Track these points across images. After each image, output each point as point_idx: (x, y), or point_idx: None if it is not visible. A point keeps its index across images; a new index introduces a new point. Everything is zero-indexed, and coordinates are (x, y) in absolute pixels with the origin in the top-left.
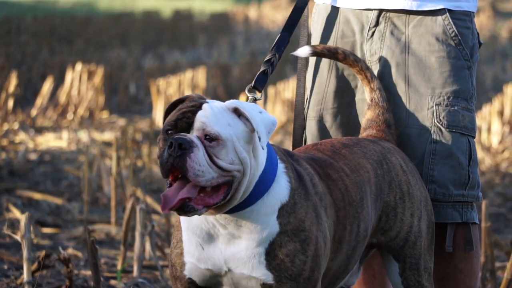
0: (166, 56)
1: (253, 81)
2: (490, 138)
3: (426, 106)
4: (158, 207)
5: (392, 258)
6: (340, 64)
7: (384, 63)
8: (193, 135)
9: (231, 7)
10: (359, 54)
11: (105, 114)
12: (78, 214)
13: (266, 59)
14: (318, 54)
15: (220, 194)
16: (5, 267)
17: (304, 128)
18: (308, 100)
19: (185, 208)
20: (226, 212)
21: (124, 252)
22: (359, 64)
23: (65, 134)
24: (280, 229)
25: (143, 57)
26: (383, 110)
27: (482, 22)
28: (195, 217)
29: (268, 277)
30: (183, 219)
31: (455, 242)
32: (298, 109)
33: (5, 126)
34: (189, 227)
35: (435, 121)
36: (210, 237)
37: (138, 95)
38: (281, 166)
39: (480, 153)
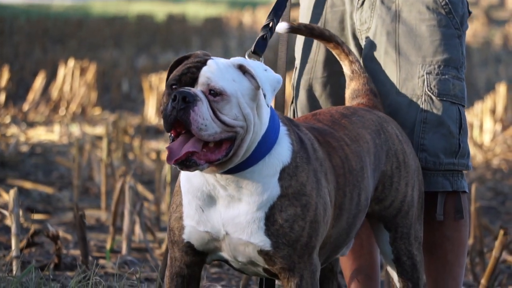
0: (159, 57)
1: (253, 46)
2: (482, 136)
3: (416, 75)
4: (148, 195)
5: (383, 227)
6: None
7: (374, 32)
8: (197, 90)
9: (225, 12)
10: (348, 24)
11: (97, 111)
12: (69, 202)
13: (264, 24)
14: (296, 30)
15: (222, 150)
16: None
17: (283, 95)
18: (297, 69)
19: (187, 162)
20: (228, 172)
21: (113, 232)
22: (334, 39)
23: (56, 128)
24: (281, 192)
25: (136, 58)
26: (367, 80)
27: (476, 28)
28: (196, 179)
29: (266, 243)
30: (183, 182)
31: (444, 210)
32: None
33: None
34: (189, 189)
35: (426, 89)
36: (210, 199)
37: (131, 93)
38: (283, 129)
39: (472, 149)
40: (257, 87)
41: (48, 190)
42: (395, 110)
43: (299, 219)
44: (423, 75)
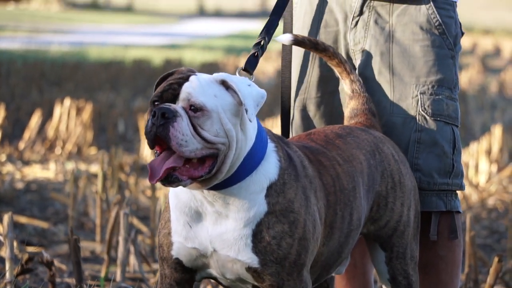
0: None
1: (244, 64)
2: (477, 177)
3: (410, 95)
4: (143, 228)
5: (379, 247)
6: None
7: (368, 52)
8: (178, 106)
9: (222, 58)
10: (342, 44)
11: (93, 150)
12: (64, 236)
13: (256, 42)
14: (299, 43)
15: (205, 166)
16: None
17: (289, 114)
18: (292, 89)
19: (169, 179)
20: (214, 188)
21: (108, 260)
22: (338, 57)
23: (52, 166)
24: (268, 208)
25: (133, 100)
26: (366, 99)
27: (472, 76)
28: (184, 195)
29: (254, 261)
30: (172, 197)
31: (438, 230)
32: (284, 94)
33: None
34: (177, 205)
35: (420, 109)
36: (198, 216)
37: (127, 133)
38: (271, 145)
39: (467, 189)
40: (240, 102)
41: (43, 224)
42: (389, 130)
43: (287, 236)
44: (417, 95)
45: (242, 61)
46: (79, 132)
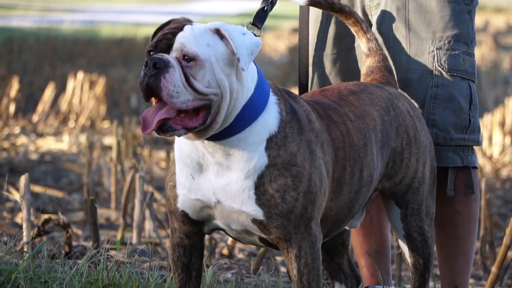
0: None
1: (253, 18)
2: (491, 148)
3: (427, 51)
4: (159, 196)
5: (394, 203)
6: None
7: (384, 8)
8: (171, 56)
9: None
10: (358, 0)
11: (106, 124)
12: (79, 204)
13: None
14: (315, 3)
15: (200, 117)
16: (4, 238)
17: (307, 72)
18: (309, 46)
19: (163, 128)
20: (214, 139)
21: (124, 224)
22: (354, 15)
23: (66, 138)
24: (269, 161)
25: None
26: (383, 57)
27: (484, 53)
28: (186, 146)
29: (258, 213)
30: (176, 149)
31: (455, 186)
32: (302, 52)
33: (6, 131)
34: (180, 157)
35: (436, 65)
36: (200, 167)
37: (139, 108)
38: (273, 98)
39: (481, 160)
40: (233, 51)
41: (58, 193)
42: (405, 86)
43: (291, 189)
44: (433, 51)
45: None
46: (92, 106)
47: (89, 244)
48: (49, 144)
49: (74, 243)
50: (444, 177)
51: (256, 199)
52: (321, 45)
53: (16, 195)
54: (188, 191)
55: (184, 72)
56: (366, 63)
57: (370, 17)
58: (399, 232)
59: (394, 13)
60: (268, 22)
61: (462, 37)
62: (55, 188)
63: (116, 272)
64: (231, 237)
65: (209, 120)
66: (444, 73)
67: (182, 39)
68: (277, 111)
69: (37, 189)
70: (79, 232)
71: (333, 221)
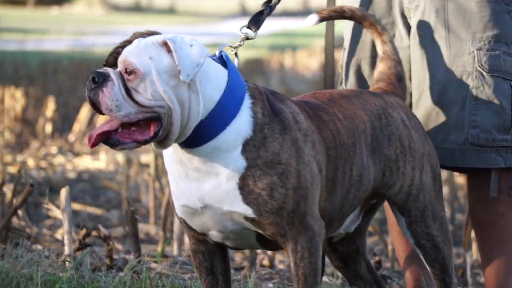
0: None
1: (248, 21)
2: None
3: (467, 51)
4: None
5: (398, 212)
6: (377, 13)
7: (423, 10)
8: (113, 69)
9: (266, 55)
10: (396, 2)
11: None
12: (118, 221)
13: (266, 0)
14: (326, 19)
15: (151, 131)
16: (46, 252)
17: (334, 75)
18: (345, 50)
19: (110, 141)
20: (187, 147)
21: (164, 236)
22: (368, 18)
23: (103, 156)
24: (248, 163)
25: None
26: (395, 63)
27: None
28: (169, 155)
29: (248, 211)
30: (164, 157)
31: (498, 187)
32: (328, 56)
33: (43, 150)
34: (167, 165)
35: (477, 66)
36: (182, 173)
37: None
38: (247, 102)
39: None
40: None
41: (96, 211)
42: (445, 88)
43: (278, 186)
44: (473, 51)
45: (286, 58)
46: None
47: (130, 257)
48: (86, 163)
49: (115, 256)
50: (487, 179)
51: (242, 198)
52: (359, 49)
53: (56, 212)
54: (176, 198)
55: (125, 85)
56: (377, 68)
57: (408, 19)
58: (409, 240)
59: (433, 15)
60: (300, 40)
61: (502, 37)
62: (93, 205)
63: (159, 281)
64: (231, 248)
65: (161, 133)
66: (484, 73)
67: (126, 53)
68: (249, 115)
69: (76, 206)
70: (119, 246)
71: (326, 222)
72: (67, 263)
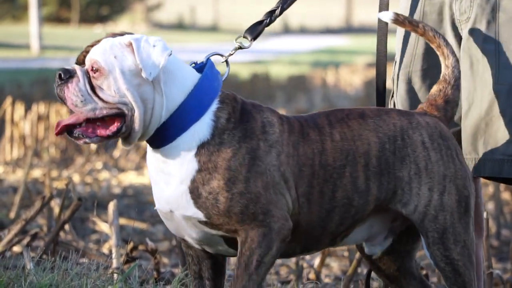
0: None
1: (245, 31)
2: None
3: None
4: None
5: (419, 232)
6: (428, 24)
7: (474, 21)
8: (80, 67)
9: (308, 72)
10: (447, 14)
11: None
12: (163, 235)
13: (270, 10)
14: (399, 22)
15: (114, 126)
16: (94, 265)
17: (384, 87)
18: (397, 63)
19: (73, 134)
20: (154, 147)
21: None
22: (438, 39)
23: (147, 172)
24: (199, 166)
25: None
26: (448, 85)
27: None
28: (147, 156)
29: (199, 215)
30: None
31: None
32: (379, 68)
33: (89, 166)
34: (148, 168)
35: None
36: (153, 175)
37: None
38: (213, 107)
39: None
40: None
41: (142, 225)
42: (494, 99)
43: (224, 191)
44: None
45: (328, 75)
46: None
47: (176, 270)
48: (130, 178)
49: (161, 270)
50: None
51: (193, 202)
52: (410, 61)
53: (102, 226)
54: (155, 201)
55: (91, 83)
56: (432, 89)
57: (459, 31)
58: (431, 261)
59: (484, 27)
60: (343, 57)
61: None
62: (138, 220)
63: None
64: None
65: (124, 129)
66: None
67: (93, 51)
68: (210, 119)
69: (122, 221)
70: (165, 260)
71: (306, 236)
72: (115, 275)
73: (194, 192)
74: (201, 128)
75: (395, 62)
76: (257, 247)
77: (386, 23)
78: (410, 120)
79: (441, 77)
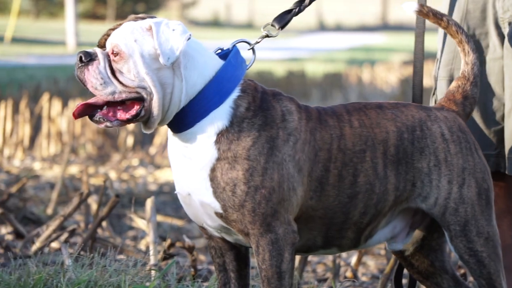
0: None
1: (273, 19)
2: None
3: None
4: None
5: (441, 226)
6: (471, 23)
7: None
8: (101, 50)
9: (344, 69)
10: (491, 12)
11: None
12: (199, 232)
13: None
14: (423, 14)
15: (133, 110)
16: (132, 262)
17: (421, 84)
18: (438, 61)
19: (94, 118)
20: (174, 132)
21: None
22: (460, 35)
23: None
24: (219, 155)
25: None
26: (467, 82)
27: None
28: (168, 141)
29: (216, 206)
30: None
31: None
32: (417, 65)
33: (125, 163)
34: (168, 152)
35: None
36: (173, 159)
37: None
38: (234, 94)
39: None
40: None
41: (178, 222)
42: None
43: (241, 183)
44: None
45: (364, 72)
46: None
47: (213, 268)
48: (167, 175)
49: (199, 267)
50: None
51: (212, 191)
52: (452, 59)
53: (139, 223)
54: (175, 185)
55: (111, 66)
56: (451, 85)
57: (503, 29)
58: (454, 254)
59: None
60: (379, 55)
61: None
62: (175, 217)
63: None
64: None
65: (143, 113)
66: None
67: (114, 35)
68: (230, 107)
69: (159, 218)
70: (202, 257)
71: (326, 223)
72: (153, 272)
73: (214, 180)
74: (220, 115)
75: (437, 59)
76: (270, 258)
77: (424, 20)
78: (428, 114)
79: (460, 74)
